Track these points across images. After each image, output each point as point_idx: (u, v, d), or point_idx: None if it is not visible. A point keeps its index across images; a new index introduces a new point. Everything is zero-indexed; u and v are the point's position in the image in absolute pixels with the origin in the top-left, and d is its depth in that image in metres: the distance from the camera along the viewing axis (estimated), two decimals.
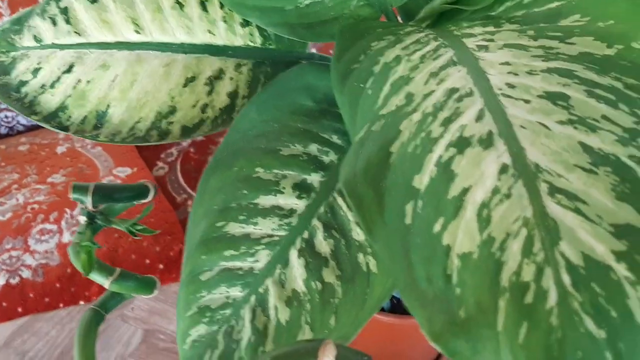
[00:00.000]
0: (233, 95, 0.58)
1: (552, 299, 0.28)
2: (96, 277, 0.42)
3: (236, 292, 0.49)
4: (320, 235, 0.49)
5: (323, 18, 0.54)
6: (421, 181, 0.34)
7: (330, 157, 0.51)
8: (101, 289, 1.30)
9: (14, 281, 1.26)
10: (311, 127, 0.52)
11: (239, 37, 0.58)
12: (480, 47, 0.41)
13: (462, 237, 0.31)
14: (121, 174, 1.62)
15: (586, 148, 0.32)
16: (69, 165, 1.62)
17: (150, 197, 0.44)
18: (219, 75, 0.58)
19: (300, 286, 0.48)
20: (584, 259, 0.29)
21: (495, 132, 0.34)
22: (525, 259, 0.29)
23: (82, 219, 0.40)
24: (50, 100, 0.58)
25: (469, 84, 0.37)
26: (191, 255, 0.50)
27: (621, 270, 0.28)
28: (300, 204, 0.50)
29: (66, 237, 1.43)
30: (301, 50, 0.60)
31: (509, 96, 0.36)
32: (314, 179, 0.51)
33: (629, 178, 0.31)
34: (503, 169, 0.32)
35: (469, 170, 0.33)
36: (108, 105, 0.57)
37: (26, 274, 1.28)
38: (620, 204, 0.30)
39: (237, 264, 0.49)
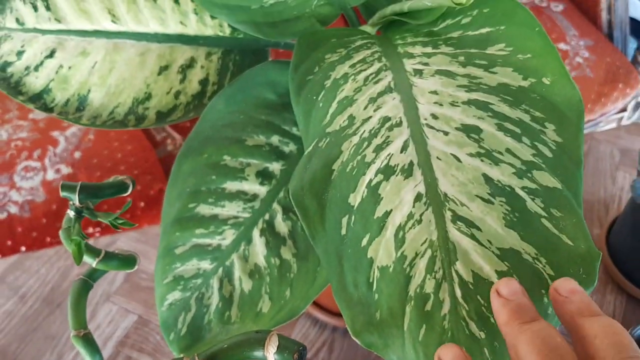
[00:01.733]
0: (204, 82, 0.63)
1: (446, 307, 0.36)
2: (85, 259, 0.49)
3: (206, 264, 0.57)
4: (279, 217, 0.56)
5: (286, 17, 0.59)
6: (355, 199, 0.41)
7: (290, 147, 0.58)
8: (85, 224, 1.38)
9: (2, 216, 1.33)
10: (273, 119, 0.58)
11: (209, 28, 0.63)
12: (416, 72, 0.47)
13: (382, 252, 0.39)
14: None
15: (488, 180, 0.39)
16: None
17: (129, 192, 0.50)
18: (190, 64, 0.63)
19: (261, 261, 0.56)
20: (473, 277, 0.37)
21: (415, 162, 0.41)
22: (428, 275, 0.37)
23: (72, 214, 0.47)
24: (34, 82, 0.63)
25: (400, 113, 0.43)
26: (166, 231, 0.58)
27: None
28: (262, 190, 0.57)
29: (50, 175, 1.50)
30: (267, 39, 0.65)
31: (432, 127, 0.42)
32: (275, 167, 0.57)
33: (519, 207, 0.39)
34: (418, 197, 0.39)
35: (391, 196, 0.40)
36: (89, 90, 0.62)
37: (13, 209, 1.35)
38: (508, 231, 0.38)
39: (207, 240, 0.57)
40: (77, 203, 0.46)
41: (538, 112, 0.43)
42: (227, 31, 0.64)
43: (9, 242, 1.30)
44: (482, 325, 0.36)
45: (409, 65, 0.48)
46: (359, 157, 0.42)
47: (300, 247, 0.55)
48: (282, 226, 0.56)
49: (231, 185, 0.57)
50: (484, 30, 0.48)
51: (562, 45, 1.50)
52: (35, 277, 1.10)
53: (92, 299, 1.05)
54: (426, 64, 0.48)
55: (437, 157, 0.41)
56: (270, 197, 0.57)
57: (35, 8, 0.63)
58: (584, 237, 0.38)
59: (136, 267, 0.54)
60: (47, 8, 0.63)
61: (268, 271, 0.55)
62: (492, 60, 0.46)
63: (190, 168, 0.58)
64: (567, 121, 0.42)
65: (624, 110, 1.82)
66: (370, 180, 0.41)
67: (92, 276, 0.55)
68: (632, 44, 1.89)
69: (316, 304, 1.00)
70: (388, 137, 0.42)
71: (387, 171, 0.41)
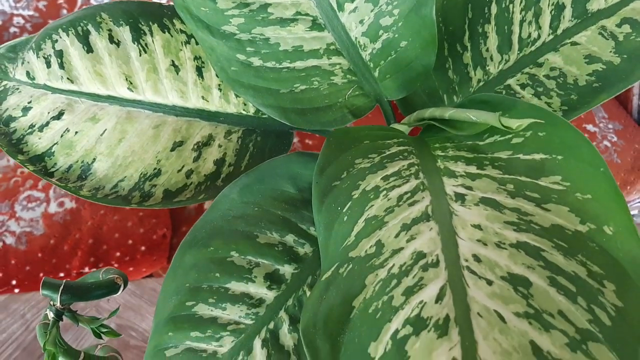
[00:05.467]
0: (220, 162, 0.58)
1: None
2: None
3: None
4: (285, 328, 0.50)
5: (316, 105, 0.54)
6: (376, 351, 0.35)
7: (305, 249, 0.52)
8: (82, 263, 1.33)
9: None
10: (291, 216, 0.53)
11: (233, 105, 0.58)
12: (457, 197, 0.41)
13: None
14: None
15: (536, 350, 0.33)
16: None
17: (119, 292, 0.45)
18: (207, 142, 0.58)
19: None
20: None
21: (452, 317, 0.35)
22: None
23: (50, 315, 0.41)
24: (37, 143, 0.58)
25: (437, 249, 0.38)
26: (159, 330, 0.52)
27: None
28: (269, 295, 0.51)
29: (52, 208, 1.44)
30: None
31: (473, 272, 0.37)
32: (287, 270, 0.52)
33: None
34: None
35: (421, 358, 0.34)
36: (94, 159, 0.57)
37: (9, 240, 1.29)
38: None
39: (202, 345, 0.51)
40: (58, 304, 0.40)
41: (596, 266, 0.37)
42: (252, 110, 0.59)
43: (0, 274, 1.25)
44: None
45: (450, 186, 0.43)
46: (385, 298, 0.37)
47: None
48: (287, 338, 0.50)
49: (236, 286, 0.51)
50: (537, 156, 0.43)
51: (590, 127, 1.46)
52: (20, 322, 1.04)
53: None
54: (469, 188, 0.42)
55: (478, 314, 0.35)
56: (278, 303, 0.51)
57: (48, 64, 0.59)
58: None
59: None
60: (61, 66, 0.58)
61: None
62: (546, 194, 0.41)
63: (194, 260, 0.52)
64: (630, 283, 0.36)
65: None
66: (397, 331, 0.35)
67: None
68: None
69: None
70: (422, 278, 0.37)
71: (418, 324, 0.35)
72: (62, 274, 1.28)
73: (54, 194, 1.42)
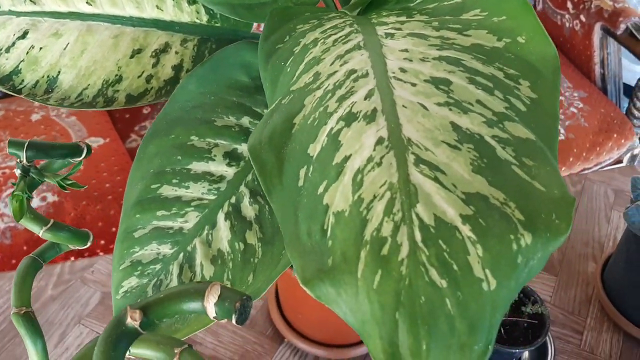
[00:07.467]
0: (177, 68, 0.62)
1: (404, 251, 0.33)
2: (30, 226, 0.46)
3: (166, 249, 0.54)
4: (246, 201, 0.53)
5: (262, 0, 0.58)
6: (314, 149, 0.38)
7: None
8: (67, 253, 1.34)
9: None
10: (245, 101, 0.56)
11: (186, 14, 0.62)
12: (387, 35, 0.45)
13: (338, 197, 0.36)
14: (94, 144, 1.64)
15: (456, 127, 0.37)
16: (43, 133, 1.65)
17: (82, 156, 0.48)
18: (165, 49, 0.61)
19: (225, 246, 0.52)
20: (435, 220, 0.33)
21: (379, 109, 0.38)
22: (386, 218, 0.34)
23: (17, 172, 0.44)
24: (4, 64, 0.61)
25: (367, 66, 0.41)
26: (127, 214, 0.54)
27: (466, 230, 0.33)
28: (229, 171, 0.54)
29: (35, 202, 1.46)
30: (246, 29, 0.64)
31: (399, 79, 0.40)
32: (244, 148, 0.55)
33: (487, 154, 0.36)
34: (379, 141, 0.36)
35: (352, 142, 0.37)
36: (59, 72, 0.60)
37: None
38: (474, 176, 0.35)
39: (168, 223, 0.54)
40: (24, 161, 0.43)
41: (512, 69, 0.41)
42: (204, 19, 0.63)
43: None
44: (444, 273, 0.32)
45: (381, 30, 0.46)
46: (321, 109, 0.40)
47: (266, 232, 0.52)
48: (248, 210, 0.53)
49: (197, 166, 0.54)
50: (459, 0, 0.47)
51: None
52: (6, 297, 1.05)
53: (62, 321, 1.00)
54: (399, 29, 0.46)
55: (403, 106, 0.38)
56: (238, 179, 0.54)
57: None
58: (557, 184, 0.34)
59: (89, 244, 0.51)
60: None
61: (231, 257, 0.52)
62: (467, 24, 0.45)
63: (156, 149, 0.55)
64: (542, 78, 0.40)
65: (619, 161, 1.80)
66: (332, 129, 0.38)
67: (43, 255, 0.51)
68: (624, 104, 1.90)
69: (296, 332, 0.95)
70: (353, 87, 0.40)
71: (349, 118, 0.38)
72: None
73: (36, 191, 1.44)
